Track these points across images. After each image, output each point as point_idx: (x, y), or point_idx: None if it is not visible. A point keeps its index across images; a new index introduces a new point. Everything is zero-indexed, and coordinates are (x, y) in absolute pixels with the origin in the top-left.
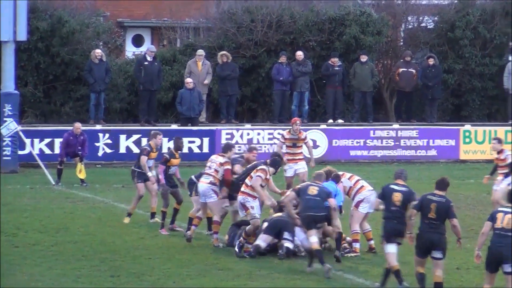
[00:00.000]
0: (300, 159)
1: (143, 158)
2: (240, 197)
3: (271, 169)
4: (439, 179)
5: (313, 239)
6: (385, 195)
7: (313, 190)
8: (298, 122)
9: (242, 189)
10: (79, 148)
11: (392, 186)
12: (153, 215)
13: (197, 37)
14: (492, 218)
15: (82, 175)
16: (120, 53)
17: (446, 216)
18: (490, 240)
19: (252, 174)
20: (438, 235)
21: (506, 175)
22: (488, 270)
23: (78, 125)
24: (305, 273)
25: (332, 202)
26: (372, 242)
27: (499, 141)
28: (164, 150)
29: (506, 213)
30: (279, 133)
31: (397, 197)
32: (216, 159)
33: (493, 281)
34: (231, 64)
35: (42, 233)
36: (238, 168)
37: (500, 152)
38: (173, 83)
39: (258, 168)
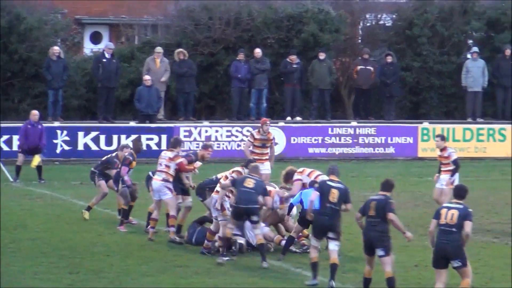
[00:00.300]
0: (266, 159)
1: (114, 172)
2: (216, 196)
3: (246, 171)
4: (383, 180)
5: (230, 231)
6: (322, 190)
7: (250, 183)
8: (268, 122)
9: (218, 188)
10: (38, 140)
11: (329, 183)
12: (120, 211)
13: (155, 35)
14: (437, 215)
15: (34, 163)
16: (78, 50)
17: (384, 212)
18: (436, 237)
19: (227, 174)
20: (377, 233)
21: (453, 173)
22: (436, 267)
23: (35, 112)
24: (264, 270)
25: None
26: None
27: (442, 138)
28: None
29: (449, 208)
30: (240, 131)
31: (334, 194)
32: (165, 155)
33: (444, 279)
34: (188, 62)
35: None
36: (184, 161)
37: (443, 149)
38: (131, 80)
39: (234, 169)
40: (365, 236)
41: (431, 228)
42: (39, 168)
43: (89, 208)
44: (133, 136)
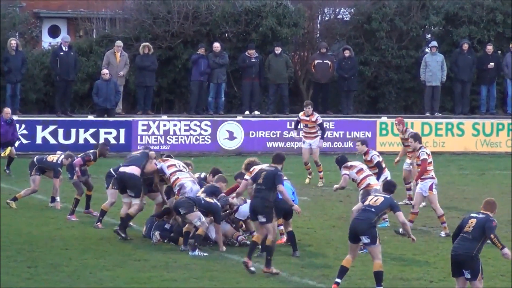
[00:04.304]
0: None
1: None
2: None
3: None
4: (275, 153)
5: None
6: None
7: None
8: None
9: None
10: (11, 135)
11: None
12: (53, 199)
13: (113, 28)
14: (364, 200)
15: (7, 152)
16: (36, 44)
17: (273, 182)
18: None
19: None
20: (260, 200)
21: (378, 176)
22: (350, 241)
23: (7, 110)
24: (222, 264)
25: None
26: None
27: (363, 142)
28: (81, 141)
29: (377, 196)
30: (199, 125)
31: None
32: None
33: (355, 253)
34: (151, 56)
35: None
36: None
37: (366, 153)
38: (90, 74)
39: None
40: (251, 202)
41: (354, 208)
42: (10, 158)
43: (15, 199)
44: (92, 130)
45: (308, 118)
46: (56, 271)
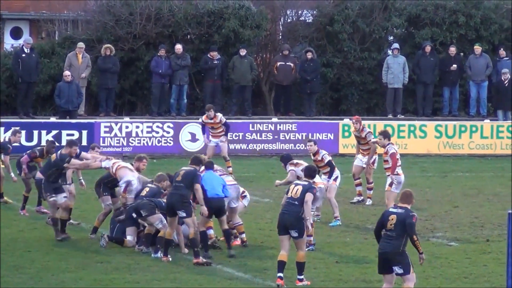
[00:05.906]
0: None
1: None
2: None
3: None
4: (193, 156)
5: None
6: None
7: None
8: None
9: None
10: None
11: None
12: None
13: (75, 30)
14: (287, 191)
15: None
16: None
17: (191, 181)
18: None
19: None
20: (178, 197)
21: (329, 175)
22: (279, 234)
23: None
24: (185, 266)
25: None
26: (243, 235)
27: (315, 142)
28: (43, 143)
29: (297, 184)
30: (161, 127)
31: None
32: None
33: (287, 247)
34: (113, 58)
35: None
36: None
37: (316, 153)
38: (52, 76)
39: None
40: (168, 197)
41: (282, 202)
42: None
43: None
44: (54, 132)
45: (212, 121)
46: (18, 273)
